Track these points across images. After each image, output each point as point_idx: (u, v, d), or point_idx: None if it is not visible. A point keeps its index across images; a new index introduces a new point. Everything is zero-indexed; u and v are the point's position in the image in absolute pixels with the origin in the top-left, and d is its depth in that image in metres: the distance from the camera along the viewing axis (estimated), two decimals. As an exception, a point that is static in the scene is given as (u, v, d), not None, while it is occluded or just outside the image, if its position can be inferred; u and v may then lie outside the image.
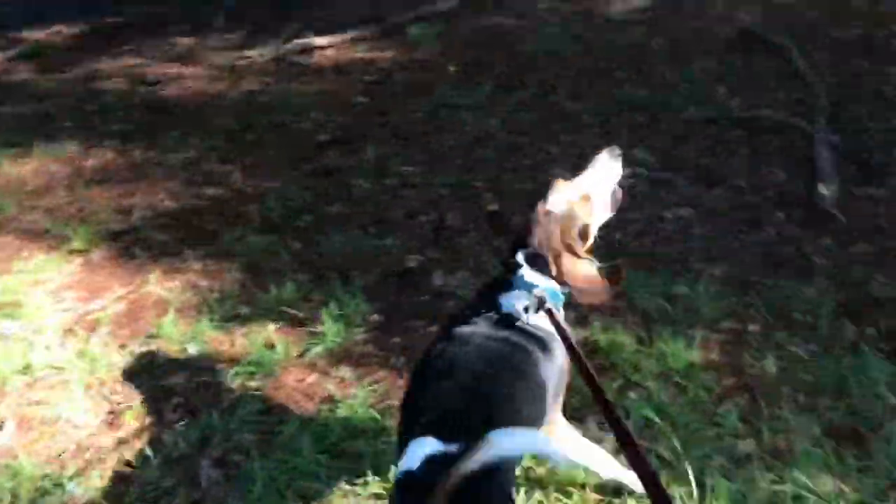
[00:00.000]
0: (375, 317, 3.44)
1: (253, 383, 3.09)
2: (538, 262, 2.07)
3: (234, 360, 3.22)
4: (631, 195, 4.03)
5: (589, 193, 2.21)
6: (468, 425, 1.71)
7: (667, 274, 3.45)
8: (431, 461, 1.65)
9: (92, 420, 2.97)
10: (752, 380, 2.87)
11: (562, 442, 2.22)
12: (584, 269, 2.07)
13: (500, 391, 1.88)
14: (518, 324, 2.00)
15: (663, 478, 2.42)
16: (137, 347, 3.34)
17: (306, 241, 4.07)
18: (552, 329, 1.98)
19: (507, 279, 2.07)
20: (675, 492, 2.38)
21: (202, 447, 2.80)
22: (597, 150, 4.33)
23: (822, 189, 3.76)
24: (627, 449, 1.47)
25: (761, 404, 2.73)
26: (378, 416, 2.83)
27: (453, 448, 1.65)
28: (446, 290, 3.59)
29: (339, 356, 3.21)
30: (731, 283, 3.39)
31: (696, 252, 3.63)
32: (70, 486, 2.67)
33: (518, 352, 1.97)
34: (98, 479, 2.70)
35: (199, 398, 3.04)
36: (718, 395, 2.81)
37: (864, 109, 4.84)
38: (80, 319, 3.55)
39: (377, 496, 2.51)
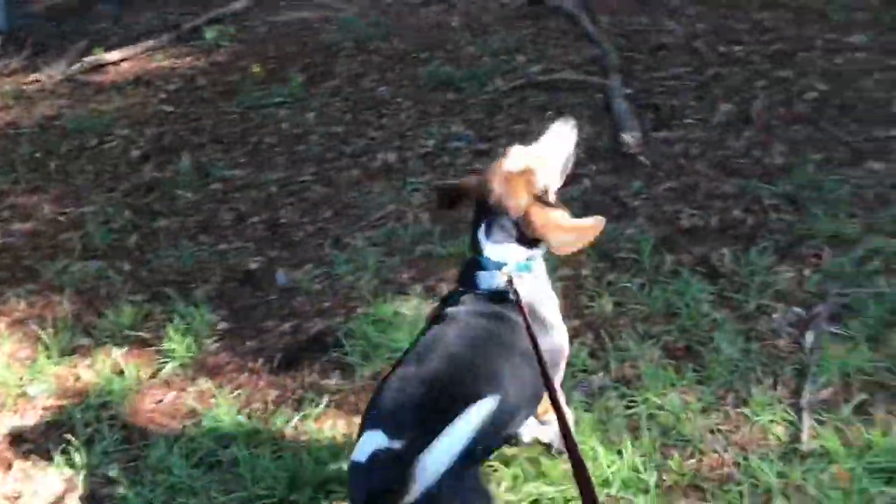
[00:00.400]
0: (223, 324, 3.39)
1: (107, 413, 2.96)
2: (501, 232, 2.04)
3: (82, 394, 3.07)
4: (456, 168, 4.22)
5: (545, 156, 2.17)
6: (415, 420, 1.74)
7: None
8: (376, 457, 1.69)
9: (-68, 485, 2.75)
10: (594, 318, 3.08)
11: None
12: (559, 217, 2.03)
13: (464, 375, 1.88)
14: (496, 301, 2.01)
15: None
16: (-29, 400, 3.12)
17: (136, 261, 3.92)
18: (540, 298, 2.05)
19: (477, 259, 2.07)
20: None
21: (67, 491, 2.67)
22: (414, 130, 4.48)
23: (626, 137, 4.06)
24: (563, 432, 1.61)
25: (605, 339, 2.94)
26: (245, 420, 2.81)
27: (397, 444, 1.68)
28: (292, 286, 3.58)
29: (194, 370, 3.14)
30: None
31: (524, 212, 3.81)
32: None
33: (494, 329, 1.98)
34: (-48, 545, 2.51)
35: (51, 440, 2.88)
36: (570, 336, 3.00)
37: (650, 62, 5.23)
38: None
39: (259, 497, 2.50)
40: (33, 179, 4.89)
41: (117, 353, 3.25)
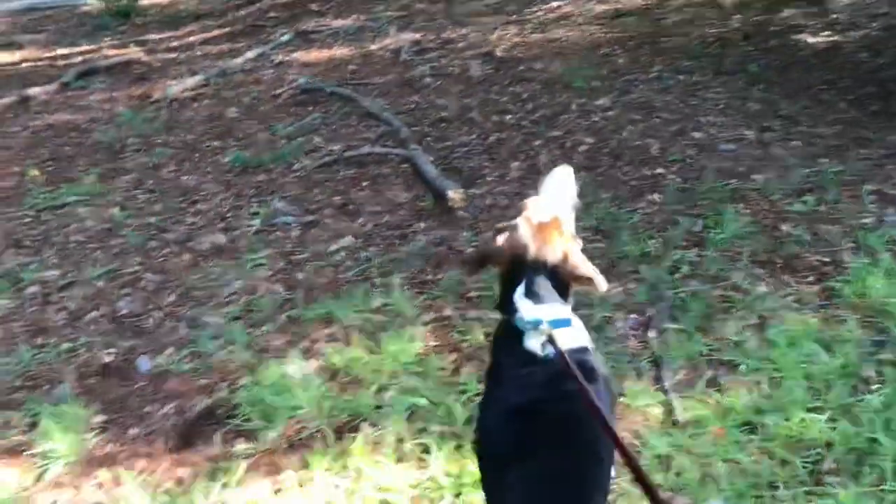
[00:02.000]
0: (99, 417, 3.25)
1: (-3, 527, 2.74)
2: (542, 289, 2.02)
3: (-43, 515, 2.81)
4: (289, 239, 4.39)
5: (561, 202, 2.20)
6: None
7: (361, 292, 3.83)
8: None
9: None
10: (472, 349, 3.39)
11: None
12: (589, 267, 2.06)
13: (591, 460, 1.84)
14: (566, 371, 1.89)
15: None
16: None
17: (-33, 375, 3.61)
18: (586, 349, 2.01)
19: (513, 323, 2.02)
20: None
21: None
22: (234, 211, 4.61)
23: (451, 194, 4.49)
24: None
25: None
26: (168, 498, 2.75)
27: None
28: (159, 369, 3.52)
29: (84, 466, 2.99)
30: (413, 286, 3.90)
31: (372, 270, 4.07)
32: None
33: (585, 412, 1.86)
34: None
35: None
36: (452, 370, 3.28)
37: (436, 133, 5.78)
38: None
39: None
40: None
41: (-14, 466, 3.00)
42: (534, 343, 1.97)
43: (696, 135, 5.15)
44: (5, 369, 3.59)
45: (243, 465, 2.88)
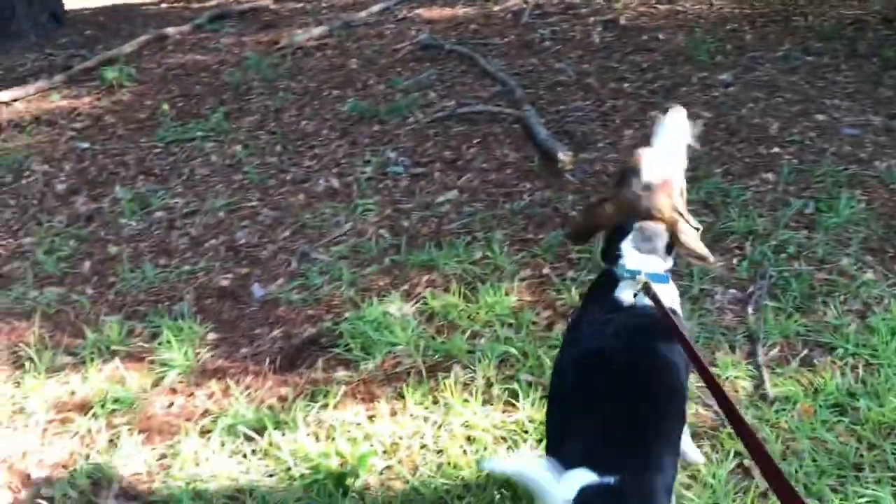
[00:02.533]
0: (213, 335, 3.51)
1: (119, 420, 3.02)
2: (646, 243, 2.08)
3: (84, 406, 3.10)
4: (398, 188, 4.53)
5: (673, 154, 2.19)
6: (623, 457, 1.76)
7: (461, 245, 3.94)
8: (587, 491, 1.67)
9: (-52, 500, 2.71)
10: (563, 307, 3.46)
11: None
12: (694, 235, 2.10)
13: (652, 411, 1.87)
14: (648, 319, 1.98)
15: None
16: (-39, 422, 3.06)
17: (98, 286, 3.94)
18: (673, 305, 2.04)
19: (612, 272, 2.08)
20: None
21: (96, 492, 2.71)
22: (348, 158, 4.75)
23: (561, 156, 4.53)
24: (747, 440, 1.58)
25: (582, 323, 3.33)
26: (268, 413, 2.96)
27: (609, 480, 1.69)
28: (271, 297, 3.74)
29: (196, 376, 3.24)
30: (514, 243, 3.98)
31: (474, 224, 4.17)
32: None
33: (658, 357, 1.96)
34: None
35: (64, 450, 2.90)
36: (545, 324, 3.37)
37: (550, 97, 5.79)
38: None
39: (302, 476, 2.67)
40: (-47, 216, 4.74)
41: (111, 366, 3.28)
42: (626, 293, 2.04)
43: (819, 117, 4.99)
44: (132, 284, 3.89)
45: (342, 389, 3.06)
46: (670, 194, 2.11)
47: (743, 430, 1.59)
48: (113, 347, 3.40)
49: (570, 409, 1.96)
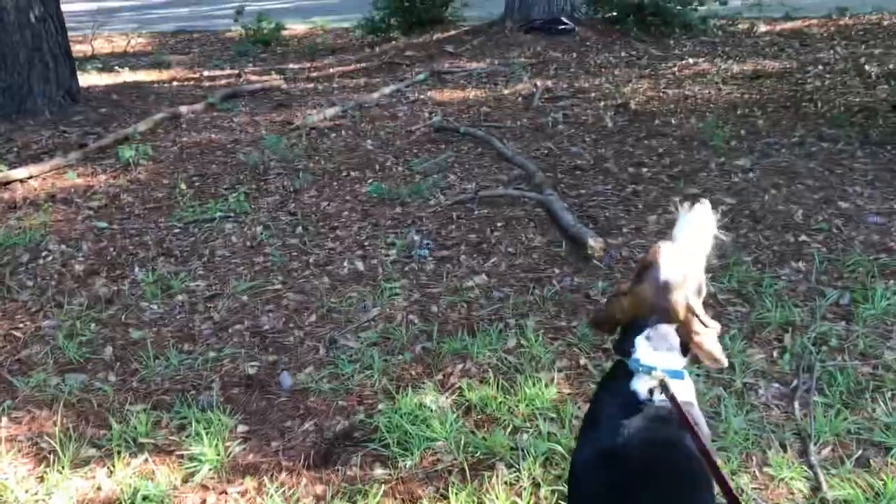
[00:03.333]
0: (242, 427, 3.39)
1: (149, 519, 2.89)
2: (658, 341, 2.03)
3: (112, 503, 2.96)
4: (424, 272, 4.48)
5: (693, 252, 2.12)
6: None
7: (494, 332, 3.87)
8: None
9: None
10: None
11: None
12: (710, 336, 2.03)
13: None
14: (665, 414, 1.94)
15: None
16: (-18, 520, 2.92)
17: (121, 373, 3.82)
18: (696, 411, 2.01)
19: (625, 367, 2.04)
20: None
21: None
22: (371, 240, 4.72)
23: (592, 242, 4.50)
24: None
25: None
26: (307, 514, 2.83)
27: None
28: (300, 387, 3.64)
29: (229, 472, 3.12)
30: (547, 331, 3.91)
31: (506, 310, 4.11)
32: None
33: (681, 449, 1.92)
34: None
35: (91, 551, 2.76)
36: (588, 420, 3.27)
37: (570, 181, 5.81)
38: None
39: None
40: (-31, 296, 4.64)
41: (138, 461, 3.16)
42: (641, 386, 2.00)
43: (843, 204, 5.01)
44: (156, 371, 3.79)
45: (381, 489, 2.94)
46: (687, 293, 2.04)
47: None
48: (140, 440, 3.28)
49: None
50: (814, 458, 2.98)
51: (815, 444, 3.06)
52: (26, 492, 3.04)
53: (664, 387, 1.98)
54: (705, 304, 2.13)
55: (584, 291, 4.26)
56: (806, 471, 2.93)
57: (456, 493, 2.88)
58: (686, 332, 2.04)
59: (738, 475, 2.92)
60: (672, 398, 1.96)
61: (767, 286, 4.13)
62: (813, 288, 4.11)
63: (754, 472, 2.95)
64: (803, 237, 4.64)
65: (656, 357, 2.03)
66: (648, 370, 2.01)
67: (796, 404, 3.28)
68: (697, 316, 2.03)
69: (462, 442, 3.15)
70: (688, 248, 2.11)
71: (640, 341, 2.04)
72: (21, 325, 4.30)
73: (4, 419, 3.50)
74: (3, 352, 4.06)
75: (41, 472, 3.15)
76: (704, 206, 2.20)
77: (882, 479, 2.82)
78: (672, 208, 5.07)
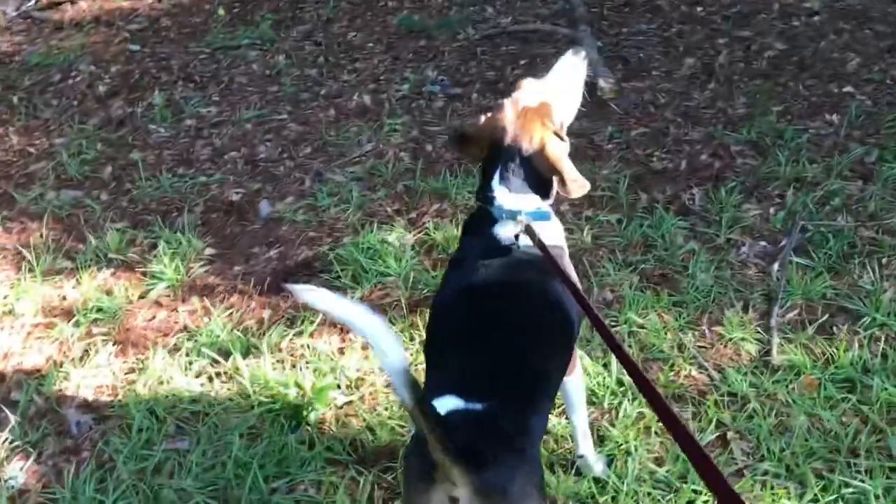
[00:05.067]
0: (210, 250, 3.44)
1: (98, 329, 3.00)
2: (517, 178, 1.94)
3: (70, 312, 3.09)
4: (431, 110, 4.31)
5: (559, 89, 2.05)
6: (494, 385, 1.68)
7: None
8: (452, 417, 1.58)
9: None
10: (574, 249, 3.21)
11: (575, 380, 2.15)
12: (562, 151, 1.95)
13: (530, 343, 1.80)
14: (531, 258, 1.87)
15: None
16: (-46, 318, 3.11)
17: (114, 191, 3.92)
18: (557, 245, 1.94)
19: (489, 211, 1.95)
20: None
21: (59, 397, 2.71)
22: (387, 74, 4.51)
23: (602, 83, 4.21)
24: (633, 375, 1.44)
25: (587, 266, 3.09)
26: (242, 336, 2.88)
27: (476, 406, 1.61)
28: (276, 216, 3.63)
29: (184, 291, 3.19)
30: (538, 174, 3.73)
31: (501, 152, 3.93)
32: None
33: (540, 294, 1.87)
34: (-48, 448, 2.54)
35: (41, 354, 2.91)
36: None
37: (615, 17, 5.37)
38: None
39: (262, 403, 2.59)
40: (-2, 112, 4.80)
41: (104, 275, 3.27)
42: (506, 231, 1.92)
43: (909, 54, 4.46)
44: (146, 192, 3.85)
45: (320, 318, 2.95)
46: (546, 116, 1.96)
47: (645, 387, 1.41)
48: (110, 255, 3.38)
49: (446, 343, 1.87)
50: (774, 320, 2.78)
51: (782, 306, 2.85)
52: (3, 297, 3.20)
53: (530, 232, 1.88)
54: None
55: (589, 136, 4.01)
56: (760, 333, 2.75)
57: (390, 325, 2.85)
58: (541, 163, 1.94)
59: (685, 332, 2.77)
60: (540, 244, 1.86)
61: (789, 139, 3.77)
62: (839, 143, 3.72)
63: (704, 329, 2.78)
64: (849, 88, 4.17)
65: (518, 200, 1.93)
66: (513, 215, 1.91)
67: (775, 265, 3.05)
68: (560, 135, 1.96)
69: (412, 279, 3.10)
70: (553, 86, 2.05)
71: (497, 185, 1.95)
72: (37, 142, 4.44)
73: (-1, 228, 3.67)
74: (15, 166, 4.22)
75: (17, 278, 3.30)
76: (578, 54, 2.13)
77: (838, 349, 2.61)
78: (712, 52, 4.66)
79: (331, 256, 3.27)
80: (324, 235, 3.47)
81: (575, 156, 3.78)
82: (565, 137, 2.00)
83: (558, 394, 2.00)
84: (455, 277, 1.98)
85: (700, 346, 2.72)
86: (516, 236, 1.90)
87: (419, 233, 3.39)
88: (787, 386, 2.52)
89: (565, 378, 2.06)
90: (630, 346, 2.72)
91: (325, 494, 2.30)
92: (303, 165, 4.01)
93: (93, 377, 2.77)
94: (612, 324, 2.81)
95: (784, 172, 3.53)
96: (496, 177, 1.95)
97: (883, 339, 2.64)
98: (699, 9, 5.38)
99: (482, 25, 5.37)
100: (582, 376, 2.23)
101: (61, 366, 2.83)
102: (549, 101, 2.00)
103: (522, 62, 4.82)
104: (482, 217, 1.98)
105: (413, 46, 5.18)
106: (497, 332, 1.81)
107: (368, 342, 1.43)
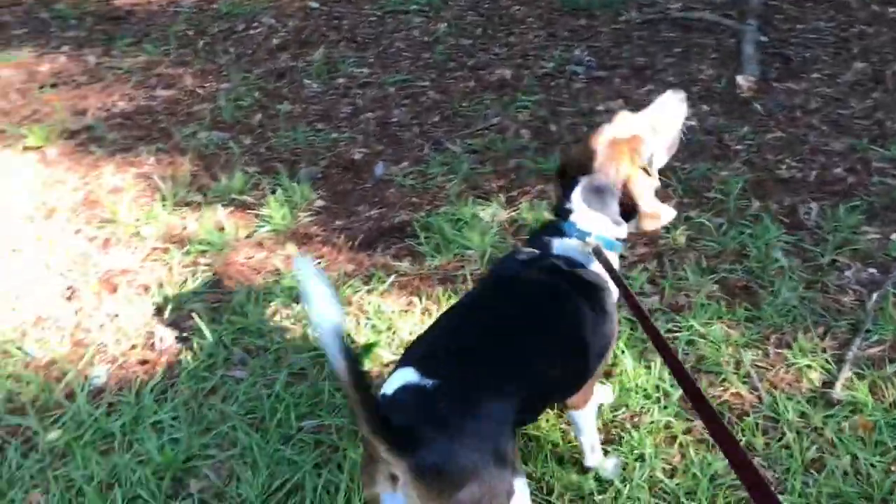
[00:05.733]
0: (320, 202, 3.65)
1: (203, 260, 3.31)
2: (597, 200, 1.98)
3: (185, 241, 3.42)
4: (569, 91, 4.28)
5: (653, 126, 2.08)
6: (451, 366, 1.72)
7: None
8: (403, 390, 1.66)
9: (51, 295, 3.18)
10: (664, 248, 3.12)
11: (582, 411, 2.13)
12: (647, 188, 1.99)
13: (518, 342, 1.82)
14: (572, 271, 1.93)
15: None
16: (93, 231, 3.53)
17: (256, 138, 4.24)
18: (608, 281, 1.94)
19: (558, 225, 1.99)
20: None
21: (155, 314, 3.03)
22: (538, 51, 4.52)
23: (740, 80, 3.99)
24: (697, 405, 1.46)
25: (667, 268, 2.99)
26: (319, 285, 3.06)
27: (427, 383, 1.66)
28: (388, 177, 3.79)
29: (285, 236, 3.43)
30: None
31: (623, 141, 3.84)
32: (30, 349, 2.89)
33: (560, 304, 1.90)
34: (57, 344, 2.92)
35: (152, 275, 3.25)
36: (631, 262, 3.07)
37: (793, 11, 5.03)
38: (38, 207, 3.71)
39: (315, 349, 2.76)
40: (183, 54, 5.30)
41: (222, 213, 3.57)
42: (566, 247, 1.96)
43: None
44: (282, 142, 4.14)
45: (397, 280, 3.07)
46: (635, 150, 1.99)
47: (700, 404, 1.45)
48: (233, 195, 3.68)
49: (442, 325, 1.93)
50: (851, 353, 2.57)
51: (866, 339, 2.63)
52: (131, 215, 3.59)
53: (598, 253, 1.93)
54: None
55: (718, 135, 3.82)
56: (830, 364, 2.55)
57: (454, 295, 2.93)
58: (625, 195, 1.98)
59: (748, 349, 2.63)
60: (606, 263, 1.91)
61: (944, 162, 3.41)
62: None
63: (769, 349, 2.63)
64: None
65: (592, 222, 1.97)
66: (583, 235, 1.95)
67: (875, 294, 2.80)
68: (646, 171, 1.99)
69: (489, 254, 3.15)
70: (647, 122, 2.07)
71: (576, 204, 1.99)
72: (207, 85, 4.87)
73: (152, 158, 4.09)
74: (183, 104, 4.66)
75: (151, 205, 3.69)
76: (678, 95, 2.13)
77: (913, 395, 2.39)
78: (889, 55, 4.27)
79: (421, 223, 3.38)
80: (424, 203, 3.57)
81: (699, 153, 3.68)
82: (654, 174, 2.04)
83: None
84: (491, 273, 2.10)
85: (759, 366, 2.57)
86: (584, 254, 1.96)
87: (513, 211, 3.42)
88: (838, 423, 2.34)
89: (573, 412, 2.13)
90: (686, 354, 2.63)
91: (345, 441, 2.43)
92: (428, 133, 4.14)
93: (183, 300, 3.07)
94: (674, 329, 2.72)
95: (922, 196, 3.21)
96: (577, 196, 2.00)
97: (966, 393, 2.37)
98: (892, 9, 4.91)
99: (648, 9, 5.21)
100: (593, 414, 2.17)
101: (162, 286, 3.15)
102: (641, 136, 2.03)
103: (677, 50, 4.65)
104: (551, 229, 2.02)
105: (572, 24, 5.13)
106: (493, 325, 1.85)
107: (306, 304, 1.50)
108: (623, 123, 2.05)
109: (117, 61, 5.28)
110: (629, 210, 1.99)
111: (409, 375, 1.68)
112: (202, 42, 5.47)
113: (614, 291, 1.99)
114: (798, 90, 4.13)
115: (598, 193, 1.98)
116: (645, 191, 1.98)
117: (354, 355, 1.47)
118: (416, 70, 4.79)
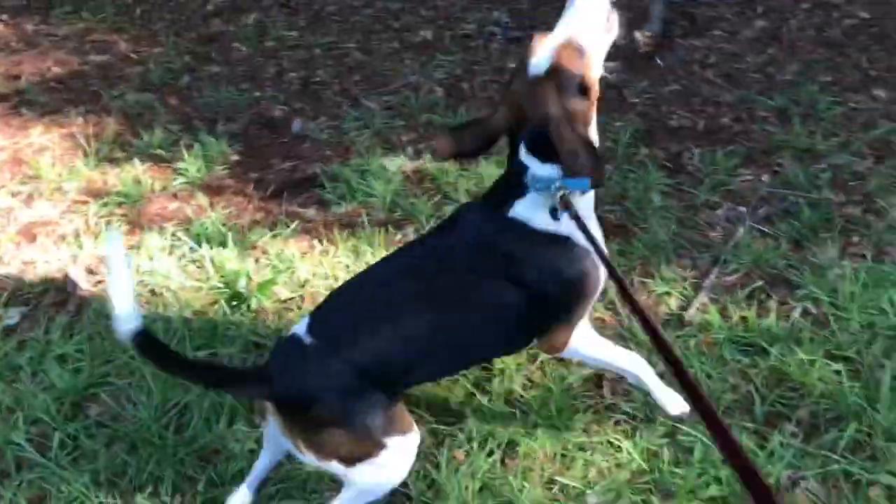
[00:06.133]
0: (235, 157, 3.81)
1: (119, 212, 3.47)
2: (544, 148, 1.73)
3: (104, 194, 3.58)
4: (486, 52, 4.45)
5: (573, 37, 1.78)
6: (343, 334, 1.79)
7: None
8: (287, 342, 1.83)
9: (-28, 245, 3.33)
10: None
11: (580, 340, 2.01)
12: (577, 143, 1.71)
13: (418, 313, 1.81)
14: (520, 230, 1.79)
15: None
16: (17, 188, 3.68)
17: (182, 98, 4.38)
18: (568, 234, 1.80)
19: (518, 182, 1.80)
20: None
21: (72, 260, 3.20)
22: (462, 13, 4.64)
23: (637, 36, 4.18)
24: (672, 368, 1.34)
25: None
26: (223, 229, 3.23)
27: (307, 340, 1.78)
28: (305, 134, 3.96)
29: (199, 188, 3.59)
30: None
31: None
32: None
33: (492, 267, 1.81)
34: (-25, 288, 3.09)
35: (70, 225, 3.41)
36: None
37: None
38: (-37, 166, 3.86)
39: (216, 288, 2.94)
40: (119, 21, 5.41)
41: (141, 167, 3.73)
42: (532, 208, 1.79)
43: None
44: (206, 102, 4.29)
45: (300, 225, 3.25)
46: (561, 88, 1.73)
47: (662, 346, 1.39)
48: (152, 151, 3.84)
49: (358, 282, 1.97)
50: (708, 280, 2.78)
51: (725, 270, 2.84)
52: (54, 171, 3.74)
53: (566, 202, 1.73)
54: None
55: (619, 89, 4.02)
56: (688, 290, 2.76)
57: (350, 241, 3.11)
58: (561, 138, 1.70)
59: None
60: (576, 217, 1.72)
61: (822, 110, 3.63)
62: (872, 120, 3.54)
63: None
64: (917, 63, 3.91)
65: (549, 168, 1.77)
66: (548, 184, 1.73)
67: (741, 229, 3.01)
68: (571, 115, 1.74)
69: (389, 202, 3.33)
70: (572, 39, 1.77)
71: (523, 155, 1.79)
72: (141, 51, 4.99)
73: (80, 119, 4.23)
74: (114, 69, 4.79)
75: (75, 162, 3.84)
76: None
77: (761, 318, 2.60)
78: (799, 15, 4.46)
79: (330, 174, 3.56)
80: (335, 156, 3.74)
81: (599, 107, 3.86)
82: (596, 92, 1.85)
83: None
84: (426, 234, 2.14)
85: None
86: (554, 211, 1.76)
87: (419, 162, 3.60)
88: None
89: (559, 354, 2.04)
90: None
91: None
92: (347, 91, 4.30)
93: (99, 248, 3.24)
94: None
95: (797, 142, 3.42)
96: (522, 147, 1.80)
97: (812, 314, 2.59)
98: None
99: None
100: (583, 350, 2.05)
101: (78, 236, 3.31)
102: (565, 61, 1.76)
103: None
104: (511, 186, 1.83)
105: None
106: (395, 300, 1.83)
107: (108, 267, 1.68)
108: (540, 52, 1.77)
109: (54, 28, 5.39)
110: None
111: (302, 328, 1.82)
112: (139, 10, 5.58)
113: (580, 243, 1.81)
114: (700, 46, 4.33)
115: (542, 143, 1.74)
116: (569, 140, 1.71)
117: (160, 346, 1.77)
118: (343, 33, 4.95)
